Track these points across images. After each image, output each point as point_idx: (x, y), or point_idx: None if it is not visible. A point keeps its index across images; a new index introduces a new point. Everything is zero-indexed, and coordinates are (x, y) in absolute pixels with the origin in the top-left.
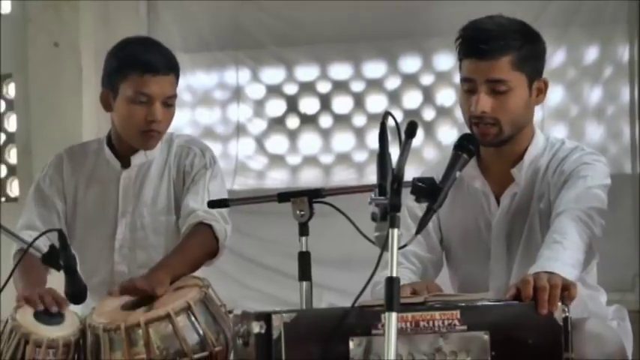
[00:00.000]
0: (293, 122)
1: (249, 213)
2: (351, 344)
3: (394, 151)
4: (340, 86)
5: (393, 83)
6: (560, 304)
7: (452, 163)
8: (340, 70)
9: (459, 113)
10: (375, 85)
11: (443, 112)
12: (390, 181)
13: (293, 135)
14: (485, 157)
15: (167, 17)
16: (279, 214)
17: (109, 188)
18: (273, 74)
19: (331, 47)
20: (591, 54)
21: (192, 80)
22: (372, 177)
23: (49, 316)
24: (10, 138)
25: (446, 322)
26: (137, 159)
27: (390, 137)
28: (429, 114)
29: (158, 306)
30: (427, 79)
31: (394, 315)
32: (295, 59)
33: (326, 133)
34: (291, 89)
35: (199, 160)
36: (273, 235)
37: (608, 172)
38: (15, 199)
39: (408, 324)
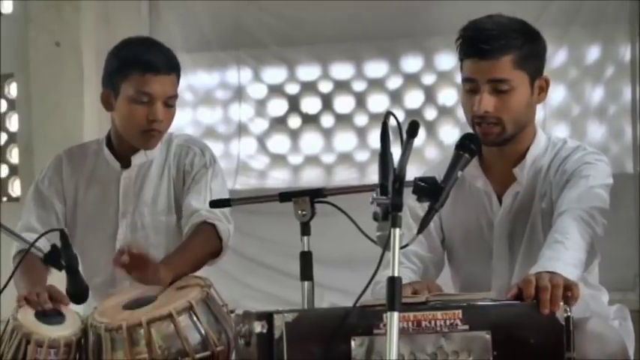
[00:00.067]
0: (295, 122)
1: (250, 213)
2: (353, 344)
3: (396, 151)
4: (342, 86)
5: (394, 83)
6: (562, 303)
7: (454, 163)
8: (342, 70)
9: (460, 113)
10: (376, 84)
11: (444, 111)
12: (391, 180)
13: (295, 135)
14: (487, 156)
15: (168, 17)
16: (281, 213)
17: (109, 189)
18: (275, 74)
19: (333, 47)
20: (593, 54)
21: (194, 80)
22: (373, 177)
23: (50, 315)
24: (12, 138)
25: (448, 322)
26: (137, 159)
27: (391, 137)
28: (430, 113)
29: (160, 306)
30: (429, 79)
31: (396, 315)
32: (297, 59)
33: (327, 133)
34: (292, 89)
35: (199, 160)
36: (275, 235)
37: (610, 171)
38: (16, 199)
39: (410, 324)
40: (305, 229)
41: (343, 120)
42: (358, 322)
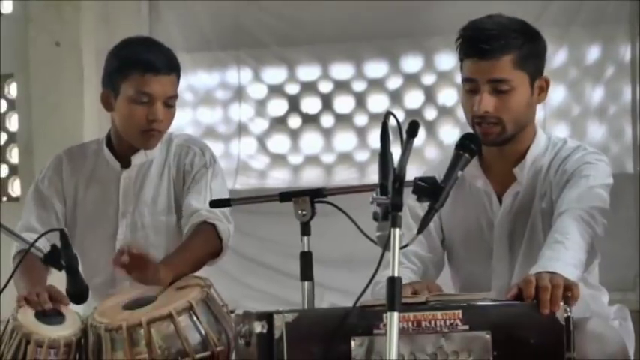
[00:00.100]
0: (294, 122)
1: (250, 213)
2: (353, 344)
3: (396, 151)
4: (342, 86)
5: (394, 83)
6: (562, 303)
7: (454, 163)
8: (342, 70)
9: (460, 113)
10: (376, 84)
11: (444, 111)
12: (391, 180)
13: (294, 135)
14: (487, 156)
15: (168, 17)
16: (281, 213)
17: (109, 189)
18: (275, 74)
19: (333, 47)
20: (593, 54)
21: (194, 80)
22: (373, 177)
23: (50, 315)
24: (12, 138)
25: (448, 322)
26: (137, 159)
27: (391, 137)
28: (430, 113)
29: (160, 306)
30: (429, 79)
31: (396, 315)
32: (297, 59)
33: (327, 133)
34: (292, 89)
35: (199, 159)
36: (275, 235)
37: (610, 171)
38: (16, 199)
39: (410, 324)
40: (305, 229)
41: (343, 120)
42: (358, 322)
